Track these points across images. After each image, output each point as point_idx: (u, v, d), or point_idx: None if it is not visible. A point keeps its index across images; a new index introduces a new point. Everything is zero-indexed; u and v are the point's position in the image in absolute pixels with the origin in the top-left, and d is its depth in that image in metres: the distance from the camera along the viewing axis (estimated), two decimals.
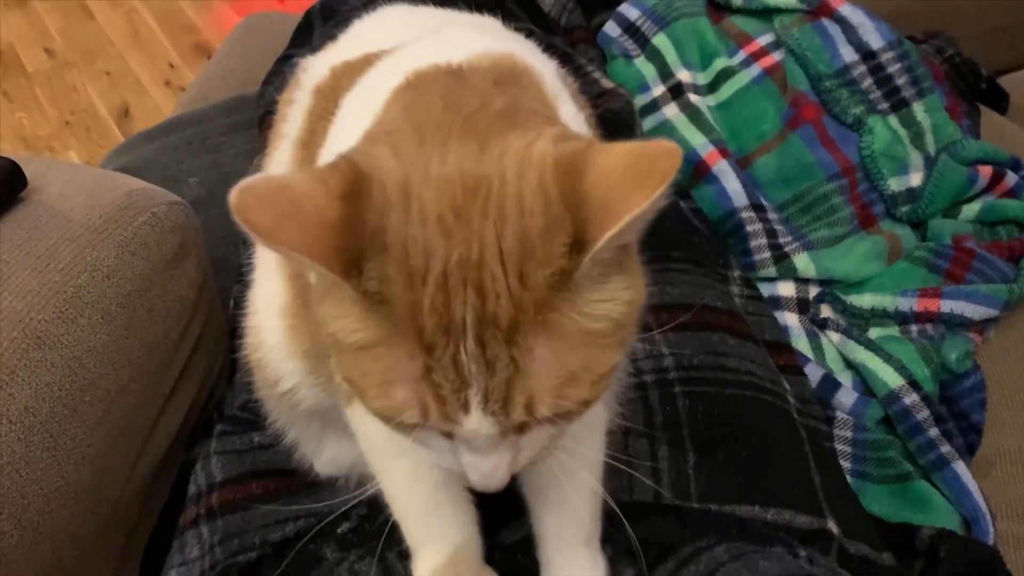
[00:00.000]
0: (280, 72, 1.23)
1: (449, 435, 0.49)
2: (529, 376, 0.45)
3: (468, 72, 0.56)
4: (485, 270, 0.44)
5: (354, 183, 0.45)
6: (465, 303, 0.44)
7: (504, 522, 0.74)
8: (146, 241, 0.83)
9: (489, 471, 0.50)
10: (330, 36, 1.23)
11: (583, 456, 0.66)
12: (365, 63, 0.66)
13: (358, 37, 0.81)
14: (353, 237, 0.44)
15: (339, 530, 0.80)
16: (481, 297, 0.44)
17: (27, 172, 0.81)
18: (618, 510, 0.64)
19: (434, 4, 0.86)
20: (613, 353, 0.47)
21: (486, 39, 0.64)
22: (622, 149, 0.44)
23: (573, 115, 0.59)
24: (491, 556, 0.70)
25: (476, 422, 0.46)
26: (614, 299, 0.46)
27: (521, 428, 0.48)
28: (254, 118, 1.21)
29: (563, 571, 0.69)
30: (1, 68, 2.59)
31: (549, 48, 1.13)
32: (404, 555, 0.71)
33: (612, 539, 0.73)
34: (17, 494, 0.71)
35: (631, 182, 0.43)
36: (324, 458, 0.84)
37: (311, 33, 1.34)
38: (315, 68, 0.76)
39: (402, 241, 0.44)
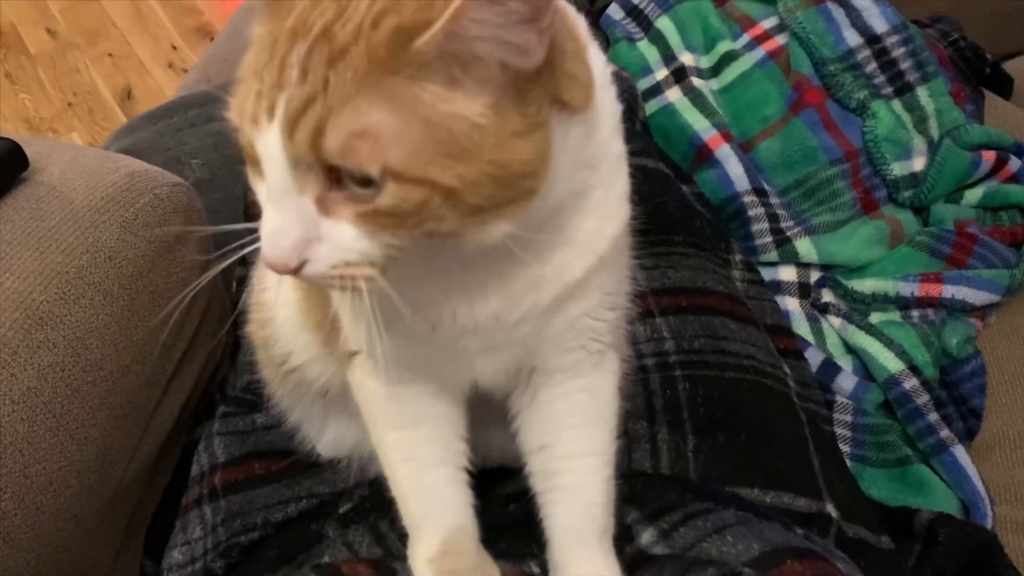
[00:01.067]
0: None
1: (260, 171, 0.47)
2: (331, 104, 0.42)
3: None
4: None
5: None
6: (323, 15, 0.43)
7: (497, 477, 0.73)
8: (148, 222, 0.83)
9: (274, 231, 0.46)
10: None
11: (592, 434, 0.66)
12: None
13: None
14: None
15: (341, 510, 0.81)
16: (337, 15, 0.43)
17: (29, 153, 0.81)
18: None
19: None
20: (440, 170, 0.43)
21: None
22: None
23: (602, 63, 0.56)
24: (484, 510, 0.68)
25: (271, 135, 0.44)
26: (455, 107, 0.43)
27: (322, 203, 0.45)
28: None
29: (576, 567, 0.65)
30: (3, 49, 2.59)
31: None
32: (395, 522, 0.70)
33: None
34: (20, 474, 0.71)
35: None
36: (326, 440, 0.85)
37: None
38: None
39: None
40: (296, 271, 0.46)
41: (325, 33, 0.43)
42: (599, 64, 0.55)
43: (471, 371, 0.61)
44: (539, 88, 0.46)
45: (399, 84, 0.43)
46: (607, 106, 0.55)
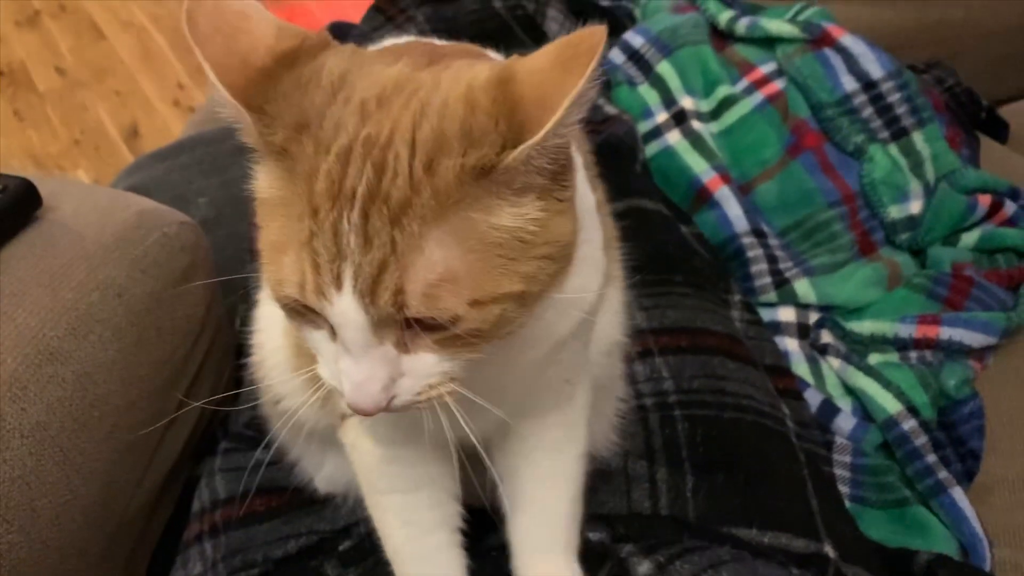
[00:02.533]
0: None
1: (333, 333, 0.48)
2: (405, 262, 0.44)
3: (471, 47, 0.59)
4: (390, 151, 0.44)
5: (299, 54, 0.48)
6: (361, 175, 0.44)
7: (484, 523, 0.74)
8: (157, 260, 0.84)
9: (361, 380, 0.47)
10: None
11: (562, 460, 0.67)
12: None
13: None
14: (264, 90, 0.47)
15: (340, 547, 0.81)
16: (378, 174, 0.44)
17: (42, 191, 0.82)
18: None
19: (443, 34, 0.88)
20: (509, 281, 0.46)
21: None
22: (546, 48, 0.45)
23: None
24: (473, 561, 0.70)
25: (346, 303, 0.45)
26: (525, 215, 0.46)
27: (401, 344, 0.47)
28: None
29: (535, 572, 0.68)
30: (13, 87, 2.62)
31: None
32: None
33: (608, 526, 0.74)
34: (27, 507, 0.72)
35: (560, 71, 0.44)
36: (324, 474, 0.85)
37: None
38: None
39: (319, 117, 0.46)
40: (387, 409, 0.49)
41: (374, 195, 0.44)
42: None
43: (462, 429, 0.63)
44: (570, 161, 0.49)
45: (469, 218, 0.45)
46: (578, 160, 0.57)
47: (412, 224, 0.44)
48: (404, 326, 0.47)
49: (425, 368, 0.48)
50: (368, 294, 0.44)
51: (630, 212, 1.03)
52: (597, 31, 0.44)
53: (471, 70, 0.47)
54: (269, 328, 0.77)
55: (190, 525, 0.89)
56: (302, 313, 0.49)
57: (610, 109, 1.23)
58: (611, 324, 0.75)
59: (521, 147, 0.43)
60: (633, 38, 1.33)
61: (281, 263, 0.47)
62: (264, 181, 0.49)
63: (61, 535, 0.75)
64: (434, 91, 0.46)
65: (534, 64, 0.45)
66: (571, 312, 0.58)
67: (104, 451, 0.79)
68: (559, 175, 0.47)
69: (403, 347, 0.48)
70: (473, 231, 0.45)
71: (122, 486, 0.83)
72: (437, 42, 0.69)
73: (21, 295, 0.76)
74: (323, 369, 0.51)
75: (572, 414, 0.68)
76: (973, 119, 1.29)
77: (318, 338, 0.50)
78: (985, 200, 1.13)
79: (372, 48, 0.65)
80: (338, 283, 0.45)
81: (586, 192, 0.58)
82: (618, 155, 1.14)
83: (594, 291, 0.59)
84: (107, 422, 0.79)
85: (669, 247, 1.02)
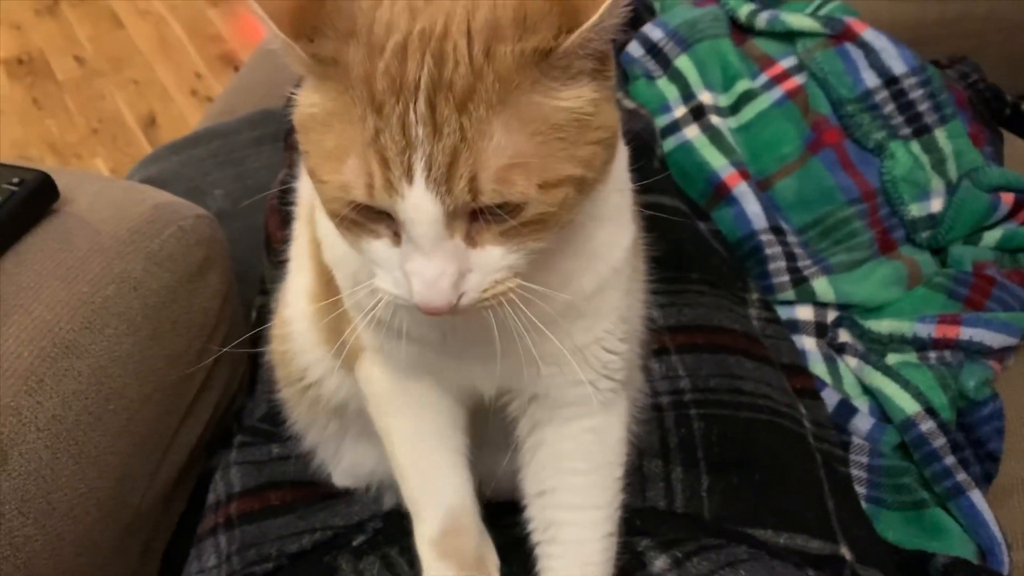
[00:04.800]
0: None
1: (396, 235, 0.49)
2: (476, 148, 0.44)
3: None
4: (448, 41, 0.45)
5: None
6: (421, 67, 0.45)
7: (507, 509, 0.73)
8: (172, 253, 0.85)
9: (432, 277, 0.47)
10: None
11: (595, 483, 0.66)
12: None
13: None
14: (312, 10, 0.47)
15: (354, 543, 0.81)
16: (439, 63, 0.45)
17: (59, 184, 0.83)
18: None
19: None
20: (572, 164, 0.47)
21: None
22: None
23: None
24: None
25: (418, 195, 0.45)
26: (581, 96, 0.47)
27: (469, 237, 0.48)
28: (279, 132, 1.22)
29: None
30: (32, 76, 2.64)
31: None
32: (405, 550, 0.72)
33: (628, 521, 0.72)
34: (43, 500, 0.72)
35: None
36: (342, 467, 0.85)
37: None
38: None
39: (369, 21, 0.46)
40: (454, 308, 0.49)
41: (437, 84, 0.44)
42: None
43: (470, 375, 0.63)
44: (609, 56, 0.50)
45: (533, 101, 0.46)
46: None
47: (479, 110, 0.44)
48: (471, 219, 0.47)
49: (493, 261, 0.49)
50: (443, 182, 0.45)
51: (647, 208, 1.02)
52: None
53: None
54: (295, 300, 0.77)
55: (205, 518, 0.89)
56: (361, 223, 0.49)
57: (628, 103, 1.22)
58: (632, 309, 0.74)
59: (579, 30, 0.45)
60: (652, 31, 1.32)
61: (343, 169, 0.47)
62: (312, 99, 0.49)
63: (76, 528, 0.76)
64: None
65: None
66: (596, 266, 0.58)
67: (119, 444, 0.79)
68: (604, 62, 0.49)
69: (471, 241, 0.48)
70: (537, 114, 0.46)
71: (137, 479, 0.83)
72: None
73: (38, 288, 0.76)
74: (383, 280, 0.51)
75: (611, 424, 0.66)
76: (997, 115, 1.28)
77: (378, 248, 0.50)
78: (1008, 198, 1.11)
79: None
80: (409, 175, 0.45)
81: (622, 145, 0.58)
82: (635, 150, 1.12)
83: (622, 248, 0.59)
84: (122, 415, 0.79)
85: (686, 244, 1.02)
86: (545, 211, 0.47)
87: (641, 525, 0.74)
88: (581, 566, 0.65)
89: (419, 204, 0.45)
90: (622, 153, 0.59)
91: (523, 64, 0.45)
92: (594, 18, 0.45)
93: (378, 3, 0.47)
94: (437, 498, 0.67)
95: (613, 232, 0.59)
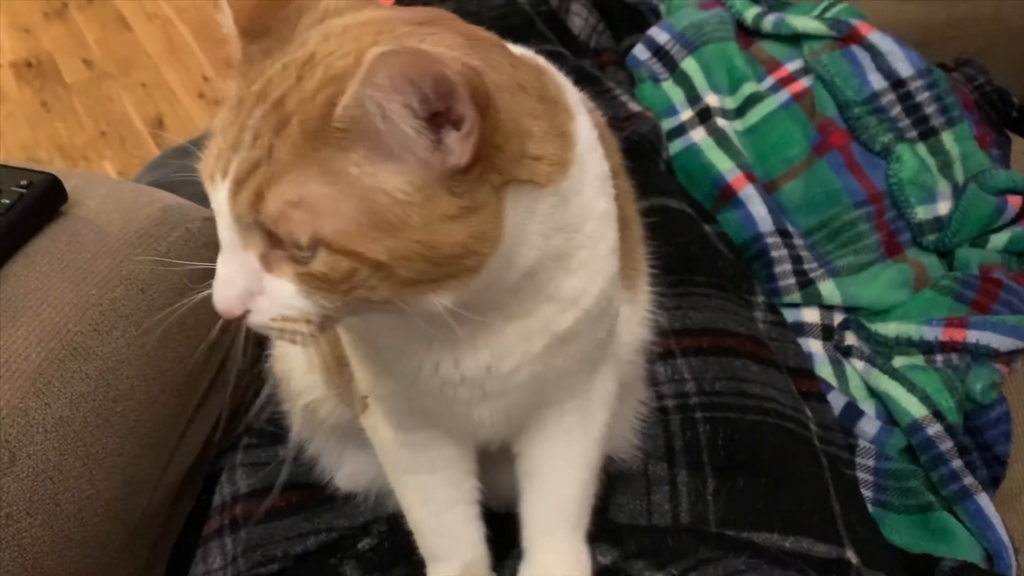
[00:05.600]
0: None
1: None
2: (273, 171, 0.45)
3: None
4: (314, 70, 0.46)
5: None
6: (283, 83, 0.46)
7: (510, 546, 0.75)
8: (180, 256, 0.85)
9: (223, 278, 0.49)
10: None
11: (576, 443, 0.67)
12: None
13: None
14: (267, 13, 0.50)
15: (360, 546, 0.81)
16: (293, 84, 0.46)
17: (67, 186, 0.83)
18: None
19: None
20: (369, 244, 0.45)
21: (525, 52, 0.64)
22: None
23: (587, 128, 0.58)
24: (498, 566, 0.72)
25: (221, 192, 0.47)
26: (379, 182, 0.45)
27: (266, 260, 0.48)
28: None
29: (542, 555, 0.69)
30: (41, 78, 2.65)
31: (575, 70, 1.14)
32: (413, 567, 0.74)
33: (621, 544, 0.74)
34: (51, 501, 0.72)
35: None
36: (344, 473, 0.86)
37: None
38: None
39: (297, 35, 0.49)
40: (241, 318, 0.49)
41: (279, 101, 0.45)
42: (584, 129, 0.56)
43: (469, 420, 0.63)
44: (472, 179, 0.47)
45: (330, 155, 0.45)
46: (591, 168, 0.56)
47: (288, 139, 0.45)
48: (269, 242, 0.47)
49: (282, 295, 0.48)
50: (235, 186, 0.46)
51: (653, 211, 1.02)
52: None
53: (423, 40, 0.47)
54: None
55: (211, 519, 0.89)
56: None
57: (634, 106, 1.22)
58: (642, 323, 0.74)
59: (345, 93, 0.43)
60: (658, 34, 1.32)
61: (210, 144, 0.49)
62: (230, 85, 0.51)
63: (84, 529, 0.76)
64: (381, 34, 0.47)
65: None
66: (568, 311, 0.57)
67: (126, 446, 0.80)
68: (453, 176, 0.46)
69: (267, 264, 0.48)
70: (335, 170, 0.45)
71: (144, 481, 0.83)
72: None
73: (46, 290, 0.76)
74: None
75: (592, 400, 0.67)
76: (1004, 118, 1.27)
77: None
78: (1015, 201, 1.11)
79: None
80: (224, 172, 0.46)
81: (595, 201, 0.57)
82: (642, 153, 1.13)
83: (593, 295, 0.58)
84: (130, 417, 0.80)
85: (692, 247, 1.02)
86: (329, 273, 0.46)
87: (637, 549, 0.74)
88: (556, 500, 0.69)
89: (220, 200, 0.47)
90: (590, 208, 0.56)
91: (322, 113, 0.44)
92: (345, 96, 0.43)
93: (318, 23, 0.49)
94: (454, 555, 0.70)
95: (584, 281, 0.57)
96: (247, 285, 0.48)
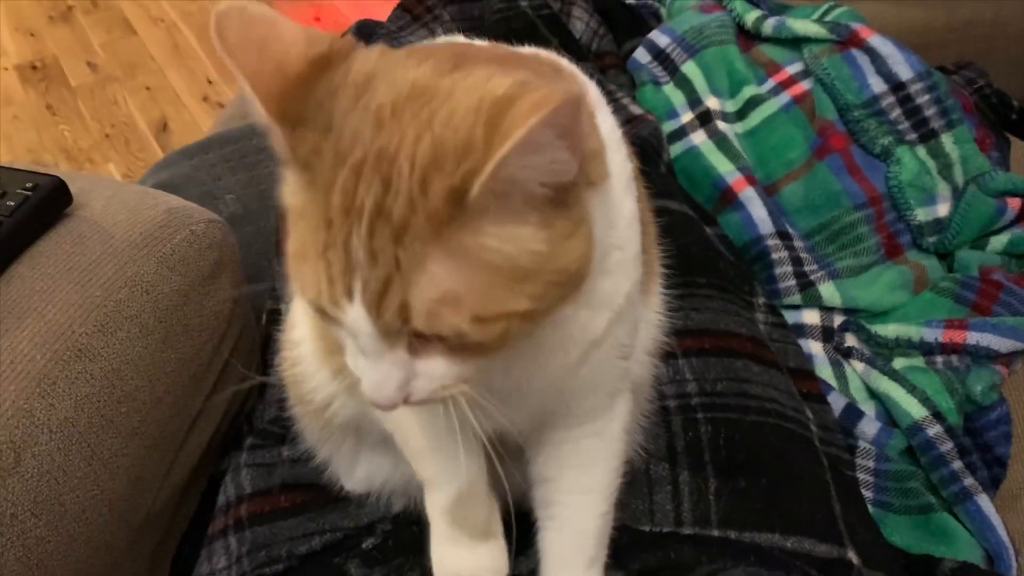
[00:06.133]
0: None
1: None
2: (408, 280, 0.44)
3: (507, 49, 0.57)
4: (396, 165, 0.44)
5: (331, 57, 0.48)
6: (369, 190, 0.44)
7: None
8: (184, 258, 0.85)
9: (376, 382, 0.49)
10: None
11: (595, 472, 0.68)
12: None
13: None
14: (299, 98, 0.47)
15: (364, 545, 0.82)
16: (384, 190, 0.44)
17: (72, 188, 0.84)
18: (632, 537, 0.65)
19: (469, 32, 0.88)
20: (514, 300, 0.46)
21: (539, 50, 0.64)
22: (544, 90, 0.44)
23: (610, 126, 0.59)
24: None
25: (356, 313, 0.46)
26: (516, 241, 0.45)
27: (413, 348, 0.48)
28: None
29: None
30: (46, 81, 2.66)
31: None
32: (417, 568, 0.74)
33: (625, 564, 0.74)
34: (55, 502, 0.73)
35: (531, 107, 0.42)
36: (357, 476, 0.85)
37: None
38: None
39: (340, 126, 0.46)
40: (404, 403, 0.50)
41: (380, 211, 0.44)
42: (607, 128, 0.57)
43: (497, 420, 0.63)
44: (575, 188, 0.48)
45: (462, 240, 0.44)
46: (616, 167, 0.57)
47: (413, 244, 0.44)
48: (416, 338, 0.47)
49: (437, 372, 0.49)
50: (375, 308, 0.45)
51: (655, 213, 1.02)
52: (551, 96, 0.42)
53: (488, 83, 0.45)
54: (301, 321, 0.78)
55: (215, 519, 0.90)
56: (326, 313, 0.50)
57: (635, 109, 1.23)
58: (654, 322, 0.75)
59: (484, 171, 0.42)
60: (659, 37, 1.33)
61: (303, 270, 0.48)
62: (290, 188, 0.49)
63: (88, 529, 0.76)
64: (445, 102, 0.45)
65: (531, 99, 0.43)
66: (601, 314, 0.58)
67: (131, 447, 0.80)
68: (560, 200, 0.47)
69: (415, 352, 0.49)
70: (469, 254, 0.45)
71: (148, 481, 0.84)
72: (477, 43, 0.70)
73: (51, 292, 0.77)
74: (350, 360, 0.53)
75: (610, 424, 0.67)
76: (1003, 120, 1.28)
77: (343, 335, 0.51)
78: (1015, 203, 1.11)
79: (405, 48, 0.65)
80: (349, 295, 0.46)
81: (623, 201, 0.58)
82: (643, 156, 1.13)
83: (623, 296, 0.58)
84: (134, 418, 0.80)
85: (693, 249, 1.02)
86: (485, 340, 0.47)
87: (639, 568, 0.75)
88: (574, 535, 0.68)
89: (357, 321, 0.46)
90: (622, 210, 0.57)
91: (450, 201, 0.43)
92: (496, 159, 0.41)
93: (353, 105, 0.46)
94: (452, 476, 0.69)
95: (615, 282, 0.58)
96: (402, 377, 0.49)
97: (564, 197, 0.47)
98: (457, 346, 0.47)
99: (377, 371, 0.49)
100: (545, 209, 0.46)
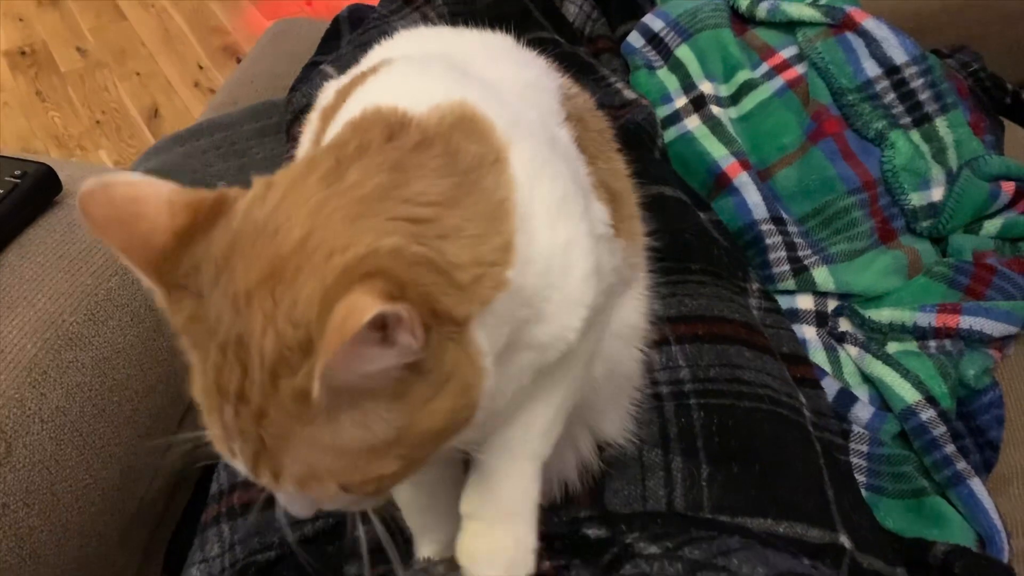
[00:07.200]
0: (308, 79, 1.25)
1: None
2: (274, 457, 0.46)
3: (401, 128, 0.54)
4: (251, 355, 0.44)
5: (194, 226, 0.48)
6: (232, 373, 0.45)
7: None
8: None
9: (286, 503, 0.52)
10: (358, 44, 1.25)
11: (543, 387, 0.64)
12: (356, 83, 0.65)
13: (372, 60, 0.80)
14: (170, 269, 0.48)
15: (356, 532, 0.82)
16: (243, 376, 0.45)
17: (61, 176, 0.83)
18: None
19: (461, 17, 0.87)
20: (381, 464, 0.47)
21: (451, 85, 0.60)
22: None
23: (528, 156, 0.55)
24: None
25: (244, 469, 0.48)
26: (370, 425, 0.46)
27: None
28: (282, 123, 1.23)
29: (494, 472, 0.65)
30: (35, 68, 2.64)
31: (569, 58, 1.14)
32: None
33: (615, 524, 0.74)
34: (48, 491, 0.73)
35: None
36: None
37: (339, 40, 1.36)
38: (329, 90, 0.73)
39: (208, 297, 0.47)
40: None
41: (241, 396, 0.45)
42: (521, 166, 0.54)
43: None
44: (431, 352, 0.46)
45: (316, 430, 0.45)
46: (540, 201, 0.54)
47: (270, 429, 0.45)
48: None
49: (339, 499, 0.50)
50: (252, 473, 0.48)
51: (649, 199, 1.02)
52: (356, 310, 0.41)
53: (330, 261, 0.44)
54: None
55: (208, 507, 0.90)
56: None
57: (629, 94, 1.22)
58: (634, 309, 0.74)
59: (316, 374, 0.41)
60: (653, 21, 1.32)
61: (204, 418, 0.49)
62: (182, 344, 0.50)
63: (81, 519, 0.76)
64: (290, 287, 0.44)
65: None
66: (550, 352, 0.57)
67: (123, 435, 0.80)
68: (414, 369, 0.46)
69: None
70: (323, 441, 0.46)
71: (141, 470, 0.84)
72: (445, 37, 0.68)
73: (41, 280, 0.77)
74: None
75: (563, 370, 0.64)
76: (998, 104, 1.27)
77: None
78: (1009, 187, 1.11)
79: (354, 95, 0.62)
80: (232, 454, 0.48)
81: (554, 231, 0.55)
82: (637, 141, 1.13)
83: (573, 332, 0.56)
84: (126, 407, 0.80)
85: (687, 235, 1.02)
86: (362, 493, 0.49)
87: (627, 528, 0.75)
88: (520, 432, 0.65)
89: (248, 475, 0.48)
90: (549, 252, 0.54)
91: (296, 399, 0.44)
92: (318, 372, 0.41)
93: (214, 283, 0.46)
94: (437, 531, 0.71)
95: (559, 327, 0.56)
96: (307, 502, 0.51)
97: (418, 367, 0.46)
98: (347, 491, 0.49)
99: (282, 499, 0.51)
100: (397, 385, 0.46)
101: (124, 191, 0.49)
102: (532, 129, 0.59)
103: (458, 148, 0.53)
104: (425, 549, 0.71)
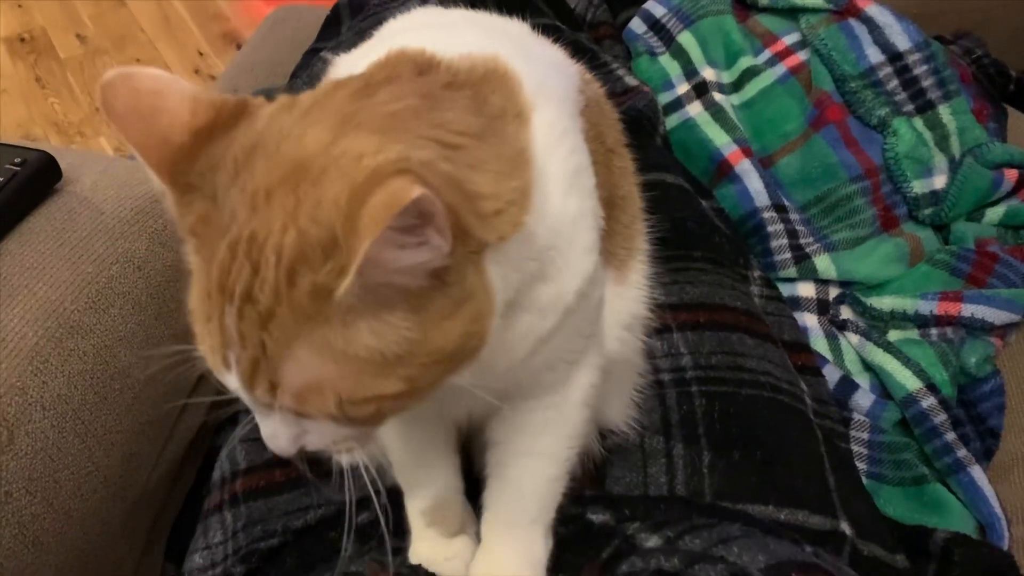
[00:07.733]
0: (308, 65, 1.24)
1: None
2: (274, 365, 0.45)
3: (429, 67, 0.55)
4: (264, 254, 0.44)
5: (215, 126, 0.48)
6: (240, 274, 0.44)
7: None
8: (176, 233, 0.85)
9: (269, 434, 0.50)
10: (358, 31, 1.24)
11: (547, 438, 0.68)
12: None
13: (387, 39, 0.80)
14: (186, 168, 0.47)
15: (359, 519, 0.82)
16: (252, 276, 0.44)
17: (62, 164, 0.83)
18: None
19: (465, 3, 0.87)
20: (386, 383, 0.46)
21: (484, 39, 0.61)
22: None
23: (547, 124, 0.56)
24: None
25: (234, 382, 0.47)
26: (385, 334, 0.45)
27: (298, 411, 0.48)
28: None
29: (495, 547, 0.69)
30: (35, 54, 2.63)
31: (571, 44, 1.13)
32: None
33: (617, 509, 0.75)
34: (50, 479, 0.73)
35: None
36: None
37: (339, 27, 1.35)
38: (340, 68, 0.73)
39: (223, 197, 0.46)
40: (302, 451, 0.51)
41: (247, 296, 0.44)
42: (543, 129, 0.55)
43: (459, 408, 0.67)
44: (455, 264, 0.46)
45: (328, 334, 0.45)
46: (554, 171, 0.55)
47: (278, 332, 0.44)
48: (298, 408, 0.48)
49: (327, 431, 0.50)
50: (247, 383, 0.46)
51: (650, 186, 1.02)
52: (399, 191, 0.40)
53: (359, 163, 0.44)
54: None
55: (211, 495, 0.90)
56: None
57: (631, 80, 1.21)
58: (633, 299, 0.74)
59: (343, 279, 0.41)
60: (655, 7, 1.32)
61: (196, 330, 0.49)
62: (188, 249, 0.49)
63: (83, 506, 0.76)
64: (314, 187, 0.44)
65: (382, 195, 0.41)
66: (547, 317, 0.57)
67: (125, 423, 0.80)
68: (437, 281, 0.46)
69: (300, 414, 0.49)
70: (335, 346, 0.45)
71: (143, 458, 0.84)
72: (462, 14, 0.68)
73: (42, 268, 0.76)
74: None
75: (568, 397, 0.67)
76: (1001, 91, 1.27)
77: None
78: (1011, 175, 1.11)
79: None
80: (227, 364, 0.47)
81: (566, 201, 0.56)
82: (639, 128, 1.12)
83: (571, 294, 0.57)
84: (128, 394, 0.80)
85: (689, 222, 1.01)
86: (360, 417, 0.48)
87: (631, 513, 0.75)
88: (518, 493, 0.69)
89: (238, 390, 0.48)
90: (559, 216, 0.55)
91: (316, 297, 0.43)
92: (355, 264, 0.40)
93: (232, 182, 0.46)
94: (429, 485, 0.72)
95: (560, 287, 0.57)
96: (291, 434, 0.50)
97: (442, 277, 0.46)
98: (339, 416, 0.48)
99: (267, 426, 0.50)
100: (419, 294, 0.46)
101: (148, 84, 0.48)
102: (558, 96, 0.59)
103: (486, 97, 0.54)
104: (417, 500, 0.72)
